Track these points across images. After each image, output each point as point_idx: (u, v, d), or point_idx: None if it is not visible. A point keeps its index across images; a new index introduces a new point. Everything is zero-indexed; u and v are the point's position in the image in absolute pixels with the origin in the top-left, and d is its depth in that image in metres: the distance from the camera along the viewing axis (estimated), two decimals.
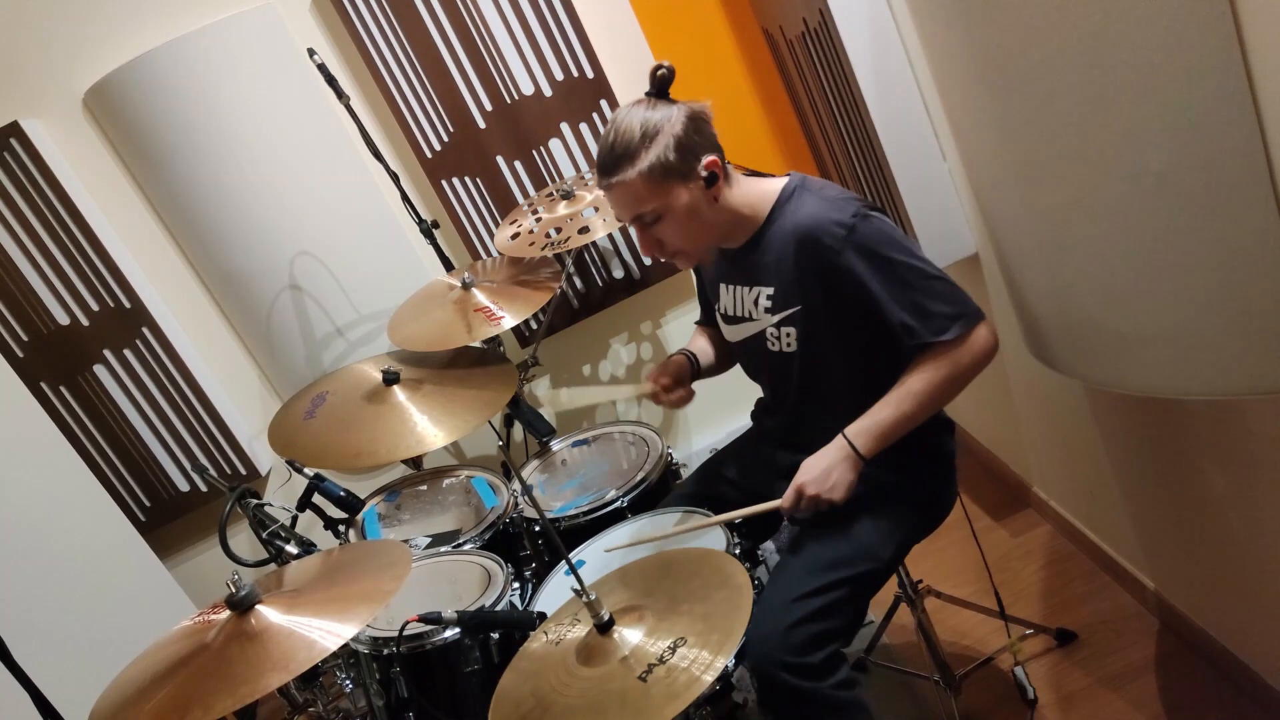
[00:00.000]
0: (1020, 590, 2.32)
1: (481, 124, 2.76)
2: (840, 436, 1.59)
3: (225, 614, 1.47)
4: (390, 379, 2.25)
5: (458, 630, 1.77)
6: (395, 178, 2.49)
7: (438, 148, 2.77)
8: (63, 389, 2.79)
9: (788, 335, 1.66)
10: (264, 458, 2.98)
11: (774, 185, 1.65)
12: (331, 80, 2.40)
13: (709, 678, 1.25)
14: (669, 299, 3.08)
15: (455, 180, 2.81)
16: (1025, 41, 1.30)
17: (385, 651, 1.80)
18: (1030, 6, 1.27)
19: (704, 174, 1.56)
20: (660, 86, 1.58)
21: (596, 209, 2.41)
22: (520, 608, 1.85)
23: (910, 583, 1.96)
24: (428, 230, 2.55)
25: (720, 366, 1.97)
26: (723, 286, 1.77)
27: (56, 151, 2.67)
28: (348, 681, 1.95)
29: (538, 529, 2.09)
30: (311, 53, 2.40)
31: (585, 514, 2.04)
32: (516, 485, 2.27)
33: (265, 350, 2.89)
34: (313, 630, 1.39)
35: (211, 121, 2.60)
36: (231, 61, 2.59)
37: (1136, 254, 1.31)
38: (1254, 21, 1.10)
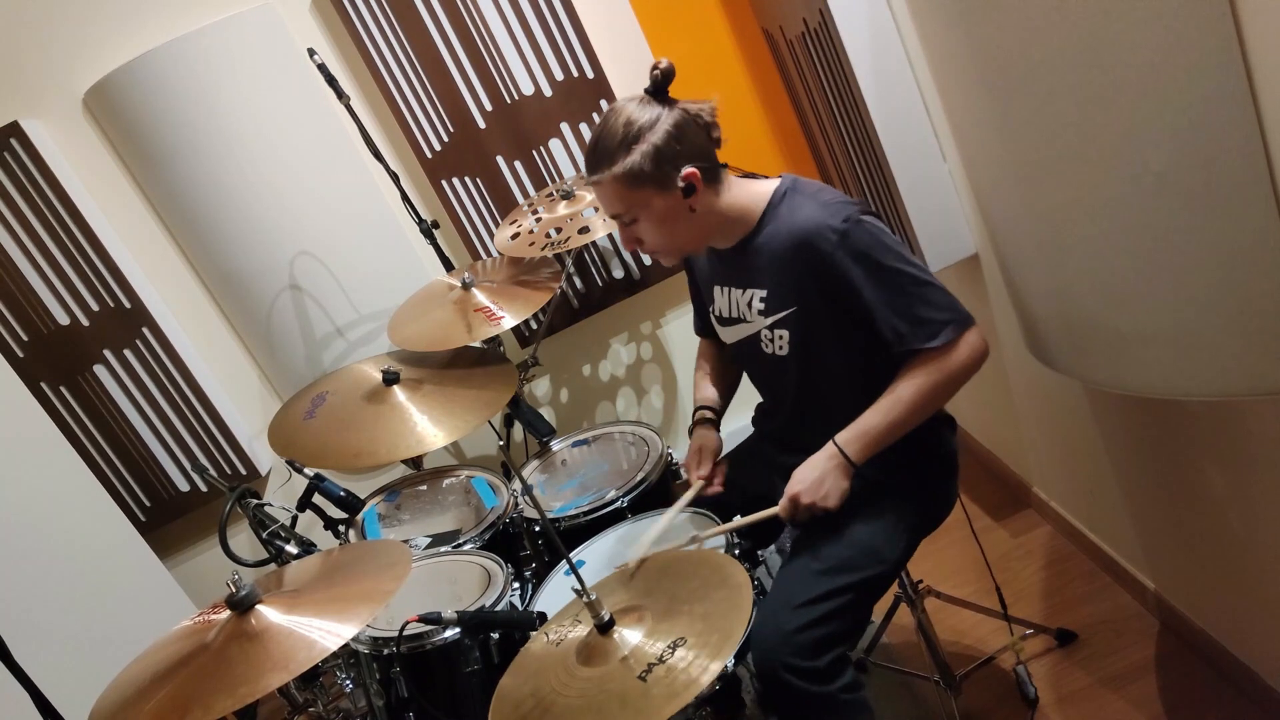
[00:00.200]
0: (1020, 590, 2.32)
1: (481, 124, 2.76)
2: (831, 444, 1.60)
3: (225, 614, 1.47)
4: (390, 379, 2.25)
5: (458, 630, 1.77)
6: (395, 178, 2.49)
7: (438, 148, 2.77)
8: (63, 389, 2.79)
9: (780, 338, 1.66)
10: (264, 458, 2.98)
11: (765, 187, 1.65)
12: (331, 80, 2.40)
13: (708, 678, 1.25)
14: (669, 299, 3.08)
15: (455, 180, 2.81)
16: (1025, 41, 1.30)
17: (385, 651, 1.80)
18: (1030, 6, 1.27)
19: (681, 184, 1.56)
20: (658, 84, 1.58)
21: (596, 209, 2.41)
22: (520, 608, 1.85)
23: (910, 583, 1.96)
24: (428, 230, 2.55)
25: (733, 387, 1.99)
26: (716, 288, 1.77)
27: (56, 151, 2.67)
28: (348, 681, 1.94)
29: (538, 529, 2.09)
30: (311, 53, 2.40)
31: (585, 514, 2.04)
32: (516, 485, 2.27)
33: (265, 350, 2.89)
34: (313, 630, 1.39)
35: (211, 121, 2.60)
36: (231, 61, 2.59)
37: (1136, 254, 1.31)
38: (1254, 21, 1.10)
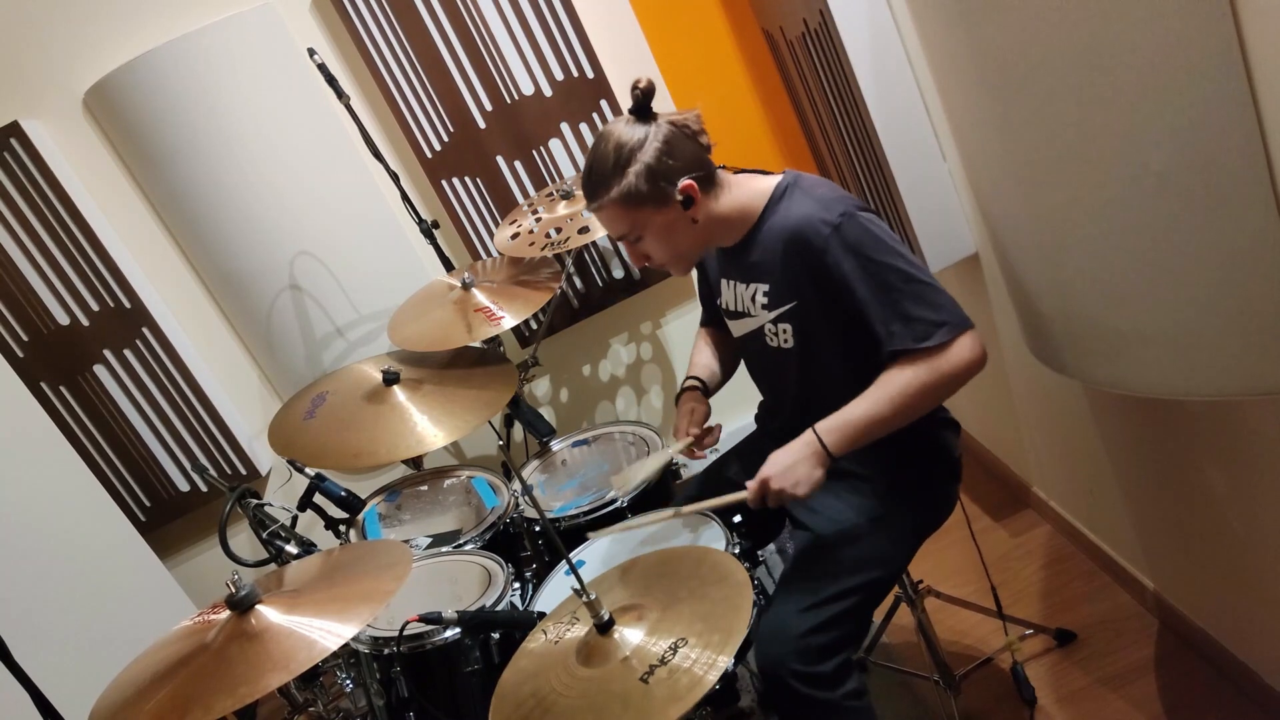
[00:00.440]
0: (1020, 590, 2.32)
1: (481, 124, 2.76)
2: (810, 431, 1.57)
3: (225, 614, 1.47)
4: (390, 379, 2.25)
5: (458, 630, 1.77)
6: (395, 178, 2.49)
7: (438, 148, 2.77)
8: (63, 389, 2.79)
9: (784, 331, 1.66)
10: (264, 458, 2.98)
11: (767, 183, 1.65)
12: (331, 80, 2.40)
13: (712, 677, 1.25)
14: (669, 299, 3.08)
15: (455, 180, 2.81)
16: (1025, 41, 1.30)
17: (385, 651, 1.80)
18: (1030, 6, 1.27)
19: (680, 197, 1.57)
20: (639, 103, 1.58)
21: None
22: (520, 608, 1.85)
23: (910, 583, 1.96)
24: (428, 230, 2.55)
25: (727, 372, 1.98)
26: (723, 282, 1.78)
27: (56, 151, 2.67)
28: (348, 681, 1.94)
29: (538, 529, 2.09)
30: (311, 53, 2.40)
31: (585, 514, 2.04)
32: (517, 485, 2.27)
33: (265, 350, 2.89)
34: (313, 630, 1.39)
35: (211, 121, 2.60)
36: (231, 61, 2.59)
37: (1136, 254, 1.31)
38: (1254, 21, 1.10)
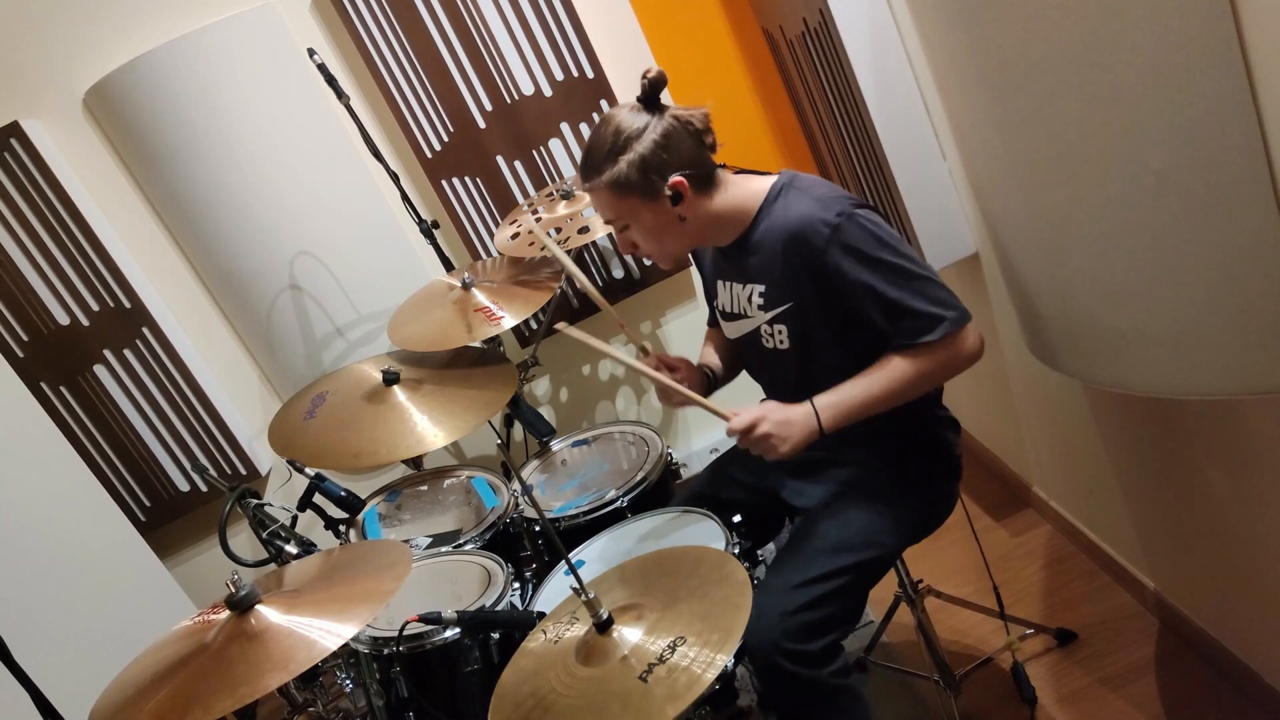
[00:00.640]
0: (1020, 590, 2.32)
1: (481, 124, 2.76)
2: (808, 403, 1.58)
3: (225, 614, 1.47)
4: (390, 379, 2.25)
5: (458, 630, 1.77)
6: (395, 178, 2.49)
7: (438, 148, 2.77)
8: (63, 389, 2.79)
9: (780, 332, 1.66)
10: (264, 458, 2.98)
11: (763, 184, 1.65)
12: (331, 80, 2.40)
13: (710, 676, 1.25)
14: (669, 299, 3.08)
15: (455, 180, 2.81)
16: (1025, 41, 1.30)
17: (385, 651, 1.80)
18: (1030, 6, 1.27)
19: (668, 193, 1.57)
20: (649, 92, 1.58)
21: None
22: (520, 608, 1.85)
23: (910, 582, 1.96)
24: (428, 230, 2.55)
25: (730, 373, 1.98)
26: (719, 283, 1.78)
27: (56, 151, 2.67)
28: (348, 681, 1.94)
29: (538, 529, 2.09)
30: (311, 53, 2.40)
31: (585, 514, 2.04)
32: (516, 485, 2.27)
33: (265, 350, 2.89)
34: (313, 630, 1.39)
35: (211, 121, 2.60)
36: (231, 61, 2.59)
37: (1136, 253, 1.31)
38: (1254, 21, 1.10)
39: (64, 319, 2.74)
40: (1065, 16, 1.22)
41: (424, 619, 1.72)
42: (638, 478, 2.09)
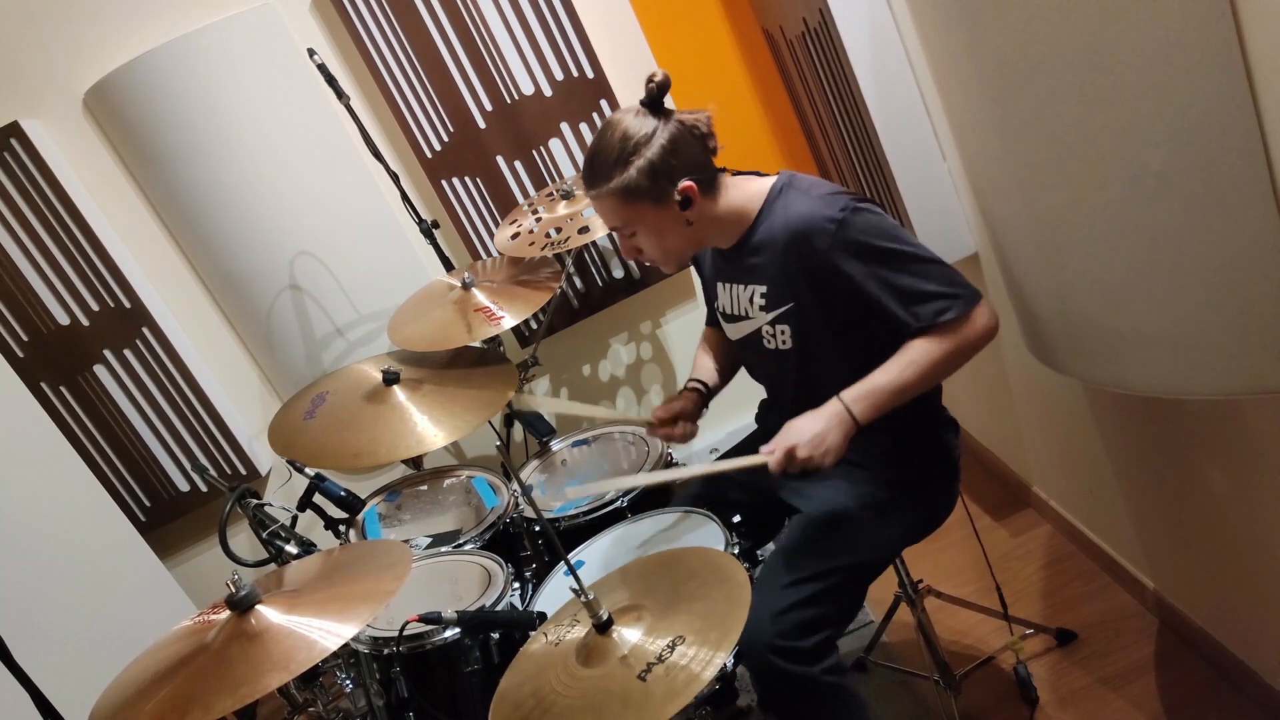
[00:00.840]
0: (1020, 590, 2.32)
1: (481, 124, 2.76)
2: (835, 400, 1.56)
3: (225, 614, 1.47)
4: (390, 379, 2.25)
5: (458, 630, 1.77)
6: (395, 178, 2.49)
7: (438, 148, 2.77)
8: (63, 389, 2.79)
9: (782, 333, 1.66)
10: (264, 458, 2.98)
11: (763, 185, 1.66)
12: (331, 80, 2.40)
13: (709, 674, 1.25)
14: (669, 299, 3.08)
15: (455, 180, 2.81)
16: (1025, 41, 1.30)
17: (385, 651, 1.80)
18: (1030, 6, 1.27)
19: (678, 198, 1.57)
20: (653, 96, 1.58)
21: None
22: (520, 608, 1.85)
23: (910, 583, 1.96)
24: (428, 230, 2.55)
25: (727, 376, 1.98)
26: (720, 285, 1.78)
27: (56, 151, 2.67)
28: (348, 681, 1.95)
29: (538, 529, 2.09)
30: (311, 53, 2.40)
31: (585, 514, 2.04)
32: (516, 486, 2.27)
33: (265, 350, 2.89)
34: (313, 630, 1.39)
35: (211, 121, 2.60)
36: (231, 61, 2.59)
37: (1136, 254, 1.31)
38: (1254, 21, 1.10)
39: (64, 319, 2.74)
40: (1065, 17, 1.22)
41: (424, 619, 1.72)
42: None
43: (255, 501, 1.98)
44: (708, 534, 1.78)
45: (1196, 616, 1.96)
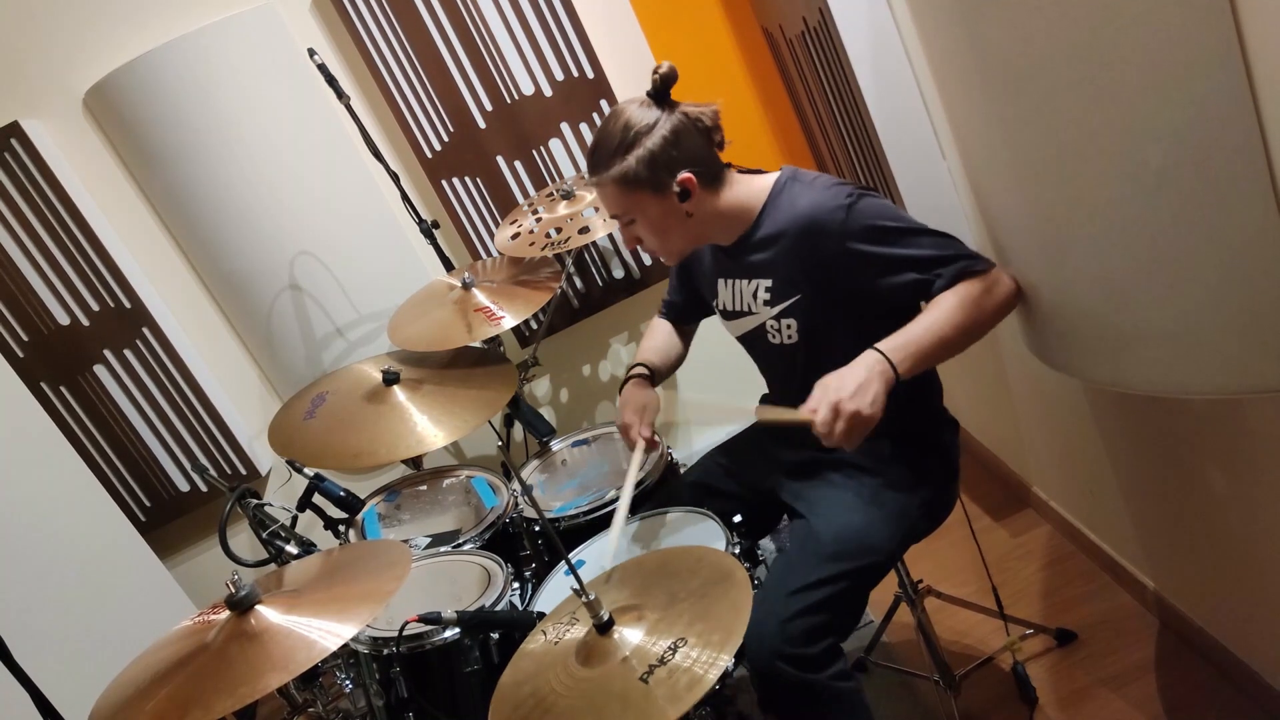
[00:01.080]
0: (1020, 590, 2.32)
1: (481, 124, 2.76)
2: (872, 350, 1.46)
3: (225, 614, 1.47)
4: (390, 379, 2.25)
5: (457, 630, 1.77)
6: (395, 178, 2.49)
7: (438, 148, 2.77)
8: (63, 389, 2.79)
9: (788, 327, 1.66)
10: (264, 458, 2.98)
11: (766, 181, 1.66)
12: (331, 80, 2.40)
13: (712, 677, 1.25)
14: None
15: (455, 180, 2.81)
16: (1025, 39, 1.30)
17: (385, 651, 1.80)
18: (1030, 6, 1.26)
19: (676, 189, 1.58)
20: (659, 88, 1.58)
21: (596, 209, 2.41)
22: (520, 608, 1.85)
23: (910, 583, 1.96)
24: (428, 230, 2.55)
25: (675, 359, 2.00)
26: (720, 282, 1.78)
27: (56, 151, 2.67)
28: (347, 681, 1.94)
29: (537, 529, 2.08)
30: (311, 53, 2.40)
31: (585, 514, 2.04)
32: (516, 485, 2.27)
33: (265, 350, 2.89)
34: (313, 630, 1.39)
35: (211, 121, 2.60)
36: (231, 61, 2.59)
37: (1136, 252, 1.31)
38: (1254, 20, 1.10)
39: (64, 319, 2.74)
40: (1065, 16, 1.22)
41: (424, 619, 1.72)
42: (636, 483, 2.09)
43: (255, 501, 1.98)
44: (708, 533, 1.78)
45: (1196, 616, 1.96)
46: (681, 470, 2.24)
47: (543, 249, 2.40)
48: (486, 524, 2.15)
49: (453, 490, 2.36)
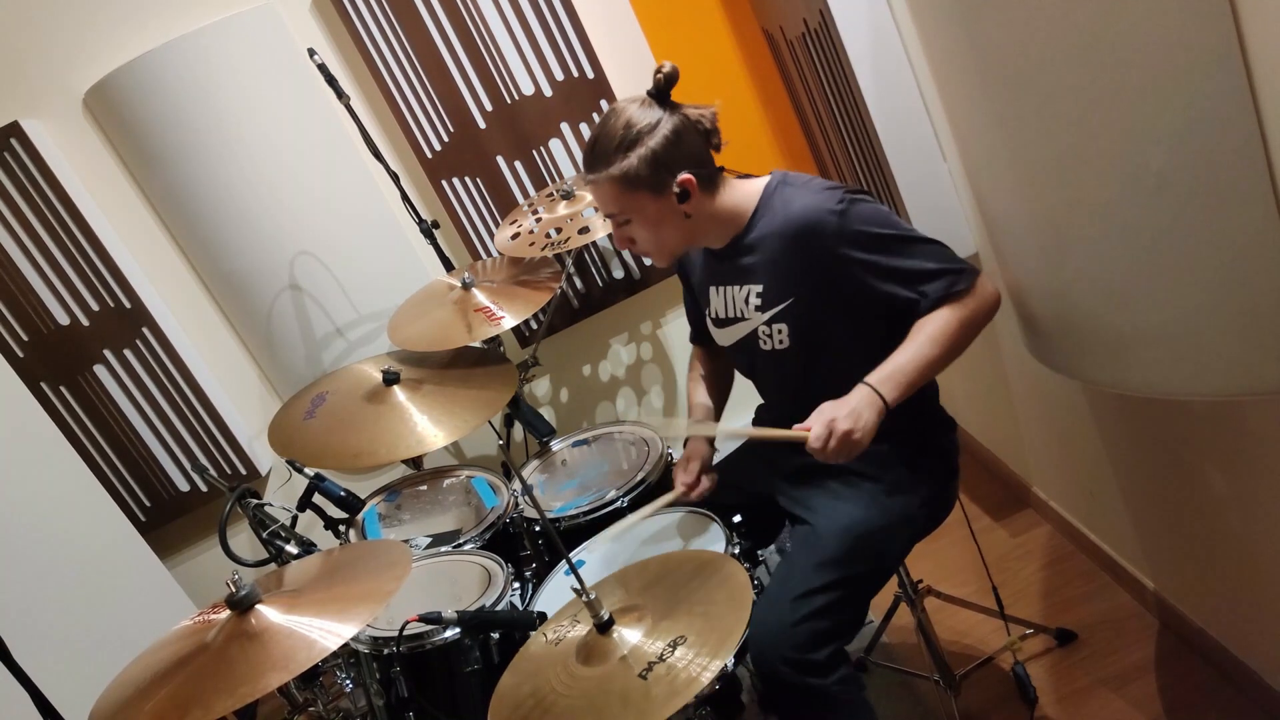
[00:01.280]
0: (1020, 590, 2.32)
1: (481, 124, 2.76)
2: (862, 385, 1.54)
3: (225, 614, 1.47)
4: (390, 379, 2.25)
5: (458, 630, 1.77)
6: (395, 178, 2.49)
7: (438, 148, 2.77)
8: (63, 389, 2.79)
9: (779, 332, 1.66)
10: (264, 458, 2.98)
11: (756, 185, 1.66)
12: (331, 80, 2.40)
13: (709, 675, 1.25)
14: (669, 299, 3.08)
15: (455, 180, 2.81)
16: (1025, 41, 1.30)
17: (385, 651, 1.80)
18: (1030, 6, 1.27)
19: (676, 190, 1.58)
20: (660, 88, 1.59)
21: (596, 209, 2.41)
22: (520, 608, 1.85)
23: (910, 583, 1.96)
24: (428, 230, 2.55)
25: (724, 394, 1.99)
26: (712, 289, 1.77)
27: (56, 151, 2.67)
28: (348, 681, 1.95)
29: (538, 529, 2.09)
30: (311, 53, 2.40)
31: (585, 514, 2.04)
32: (516, 485, 2.27)
33: (265, 350, 2.89)
34: (313, 630, 1.39)
35: (211, 121, 2.60)
36: (231, 61, 2.59)
37: (1136, 254, 1.31)
38: (1254, 21, 1.10)
39: (64, 319, 2.74)
40: (1065, 16, 1.22)
41: (424, 619, 1.72)
42: (638, 478, 2.09)
43: (255, 501, 1.98)
44: (708, 534, 1.78)
45: (1196, 616, 1.96)
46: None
47: (543, 249, 2.40)
48: (487, 524, 2.15)
49: (453, 490, 2.36)
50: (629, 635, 1.38)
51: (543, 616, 1.67)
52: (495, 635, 1.81)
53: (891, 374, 1.55)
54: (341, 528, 2.26)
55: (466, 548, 2.09)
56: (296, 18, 2.68)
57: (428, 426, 2.15)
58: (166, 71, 2.56)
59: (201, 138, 2.61)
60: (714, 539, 1.75)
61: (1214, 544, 1.79)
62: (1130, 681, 2.00)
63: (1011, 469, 2.64)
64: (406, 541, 2.17)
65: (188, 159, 2.63)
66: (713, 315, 1.80)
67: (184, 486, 2.93)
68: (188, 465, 2.89)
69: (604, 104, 2.79)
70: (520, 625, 1.71)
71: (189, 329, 2.89)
